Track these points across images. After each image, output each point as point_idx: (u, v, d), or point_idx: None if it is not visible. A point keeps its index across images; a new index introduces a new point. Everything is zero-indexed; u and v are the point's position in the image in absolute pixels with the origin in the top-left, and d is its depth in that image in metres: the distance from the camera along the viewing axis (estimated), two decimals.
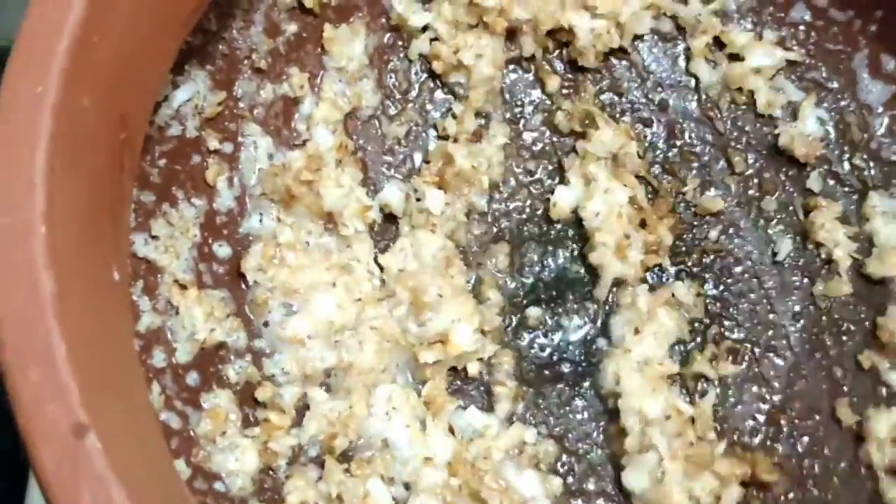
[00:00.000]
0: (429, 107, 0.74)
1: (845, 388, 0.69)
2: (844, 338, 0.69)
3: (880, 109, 0.72)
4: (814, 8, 0.73)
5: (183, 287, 0.66)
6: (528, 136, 0.74)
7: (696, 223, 0.72)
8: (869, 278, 0.70)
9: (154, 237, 0.66)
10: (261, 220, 0.69)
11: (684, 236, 0.72)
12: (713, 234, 0.72)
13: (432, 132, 0.74)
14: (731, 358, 0.70)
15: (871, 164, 0.72)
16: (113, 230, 0.56)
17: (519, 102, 0.75)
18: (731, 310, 0.71)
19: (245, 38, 0.71)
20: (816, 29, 0.73)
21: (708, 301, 0.71)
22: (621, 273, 0.70)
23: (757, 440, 0.69)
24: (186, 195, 0.68)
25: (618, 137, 0.72)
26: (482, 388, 0.70)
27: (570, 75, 0.75)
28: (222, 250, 0.69)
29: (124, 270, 0.57)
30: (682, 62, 0.75)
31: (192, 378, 0.66)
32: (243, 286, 0.69)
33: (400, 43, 0.75)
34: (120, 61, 0.55)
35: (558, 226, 0.72)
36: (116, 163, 0.56)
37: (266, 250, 0.68)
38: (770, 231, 0.72)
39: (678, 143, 0.73)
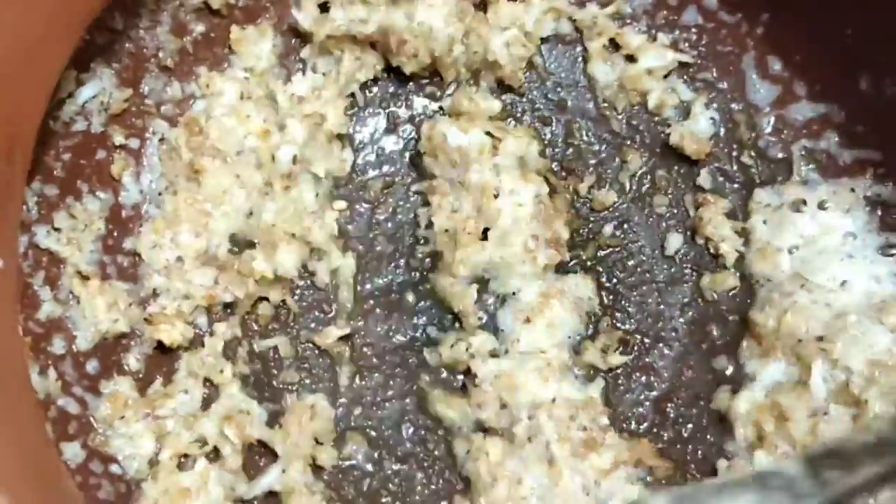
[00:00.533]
0: None
1: (727, 377, 0.71)
2: (728, 328, 0.72)
3: (767, 109, 0.74)
4: (704, 11, 0.75)
5: (85, 278, 0.68)
6: None
7: (591, 218, 0.75)
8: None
9: (56, 229, 0.68)
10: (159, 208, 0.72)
11: (580, 231, 0.74)
12: (608, 229, 0.74)
13: None
14: (621, 348, 0.72)
15: (758, 161, 0.74)
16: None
17: None
18: (623, 302, 0.73)
19: (152, 37, 0.73)
20: (707, 31, 0.75)
21: (602, 293, 0.73)
22: (524, 271, 0.72)
23: (644, 426, 0.71)
24: (91, 189, 0.70)
25: (521, 140, 0.74)
26: None
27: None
28: (128, 243, 0.71)
29: (12, 259, 0.59)
30: (580, 63, 0.77)
31: (92, 365, 0.68)
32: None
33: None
34: (8, 60, 0.57)
35: None
36: (2, 157, 0.58)
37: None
38: (662, 226, 0.74)
39: (575, 141, 0.76)
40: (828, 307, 0.67)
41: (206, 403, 0.70)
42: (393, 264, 0.74)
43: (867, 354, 0.64)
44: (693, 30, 0.76)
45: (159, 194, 0.71)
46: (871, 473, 0.45)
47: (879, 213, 0.70)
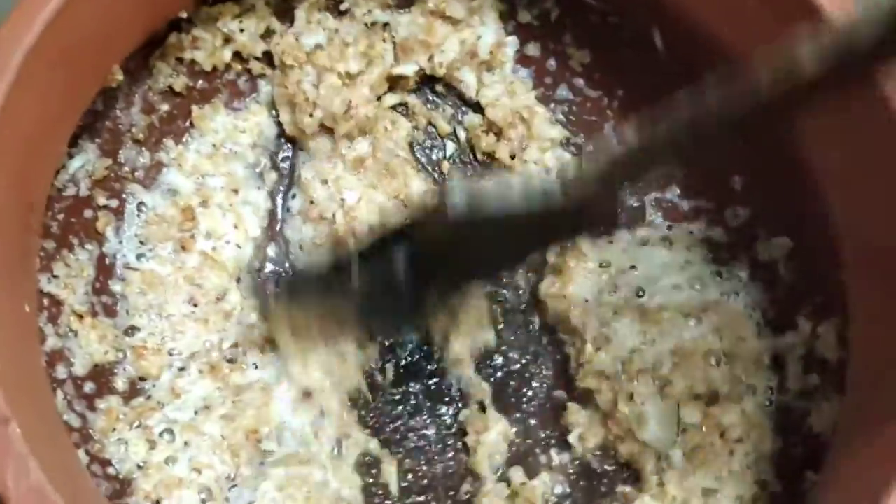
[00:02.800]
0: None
1: None
2: None
3: None
4: (574, 88, 0.94)
5: (80, 316, 0.84)
6: None
7: None
8: None
9: (55, 276, 0.83)
10: (138, 259, 0.88)
11: None
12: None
13: None
14: None
15: (619, 209, 0.93)
16: (23, 275, 0.74)
17: None
18: None
19: (126, 115, 0.88)
20: (576, 104, 0.94)
21: None
22: None
23: None
24: (81, 242, 0.86)
25: None
26: None
27: None
28: (113, 285, 0.87)
29: (33, 304, 0.74)
30: None
31: (89, 387, 0.83)
32: None
33: None
34: (27, 148, 0.73)
35: None
36: (25, 225, 0.74)
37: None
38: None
39: None
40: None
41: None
42: None
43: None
44: (565, 104, 0.95)
45: (141, 244, 0.87)
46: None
47: (713, 251, 0.90)
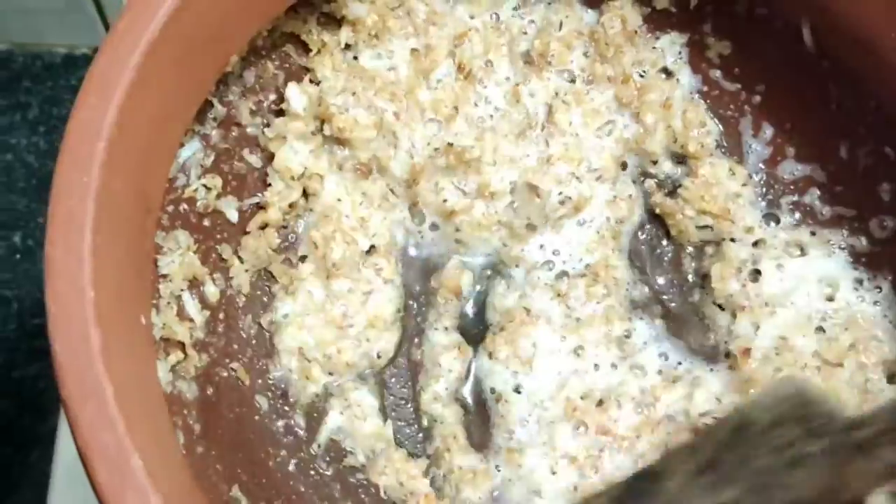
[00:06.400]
0: None
1: None
2: None
3: (760, 165, 0.87)
4: (709, 81, 0.88)
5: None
6: None
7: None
8: None
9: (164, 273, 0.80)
10: None
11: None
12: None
13: None
14: None
15: None
16: (139, 284, 0.70)
17: None
18: None
19: (235, 102, 0.84)
20: (712, 98, 0.88)
21: None
22: None
23: None
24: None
25: None
26: None
27: None
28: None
29: (148, 316, 0.71)
30: None
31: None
32: None
33: None
34: (142, 152, 0.69)
35: None
36: (141, 230, 0.70)
37: None
38: None
39: None
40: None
41: None
42: None
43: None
44: (696, 95, 0.89)
45: None
46: None
47: (853, 257, 0.84)
